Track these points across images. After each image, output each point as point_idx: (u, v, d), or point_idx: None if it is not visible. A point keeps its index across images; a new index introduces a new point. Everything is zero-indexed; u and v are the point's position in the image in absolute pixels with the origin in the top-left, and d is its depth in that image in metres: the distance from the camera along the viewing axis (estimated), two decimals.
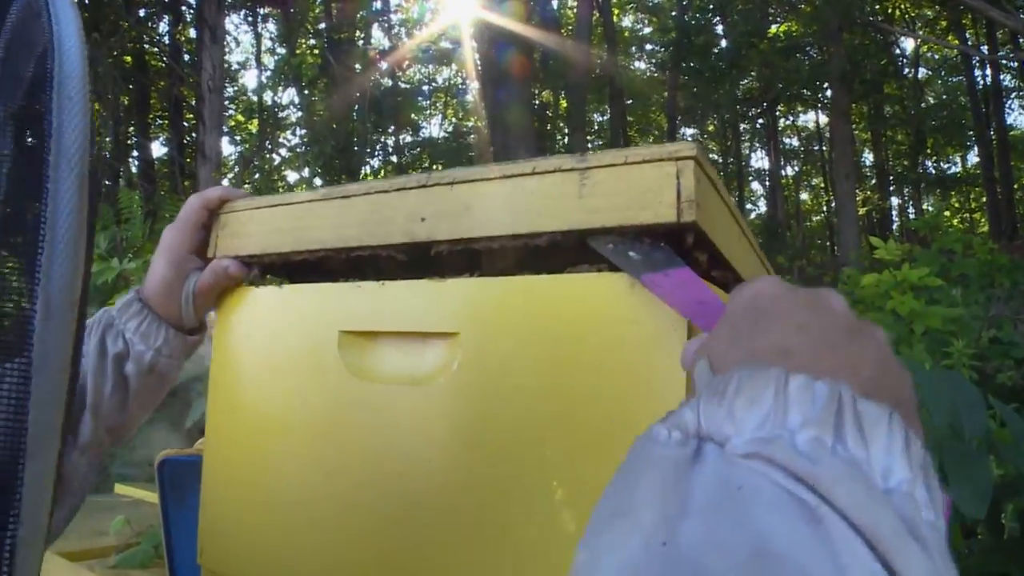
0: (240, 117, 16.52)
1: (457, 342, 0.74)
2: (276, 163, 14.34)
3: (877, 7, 15.77)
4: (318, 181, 11.51)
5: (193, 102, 10.99)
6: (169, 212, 5.01)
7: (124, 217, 4.66)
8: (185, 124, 13.84)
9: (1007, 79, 20.16)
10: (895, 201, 25.12)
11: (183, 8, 12.06)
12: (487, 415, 0.71)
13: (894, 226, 25.14)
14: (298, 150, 13.53)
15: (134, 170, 14.28)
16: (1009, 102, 21.95)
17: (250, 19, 14.83)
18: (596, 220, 0.64)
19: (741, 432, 0.34)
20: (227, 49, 15.46)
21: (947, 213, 24.01)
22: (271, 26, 15.96)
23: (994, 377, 3.88)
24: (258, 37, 15.41)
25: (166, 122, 14.93)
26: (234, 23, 16.41)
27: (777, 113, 18.45)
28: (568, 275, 0.68)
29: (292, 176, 16.47)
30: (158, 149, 15.88)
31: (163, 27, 13.76)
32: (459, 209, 0.73)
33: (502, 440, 0.70)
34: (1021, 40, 15.82)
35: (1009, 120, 22.20)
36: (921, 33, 18.13)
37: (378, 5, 16.07)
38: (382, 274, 0.85)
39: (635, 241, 0.49)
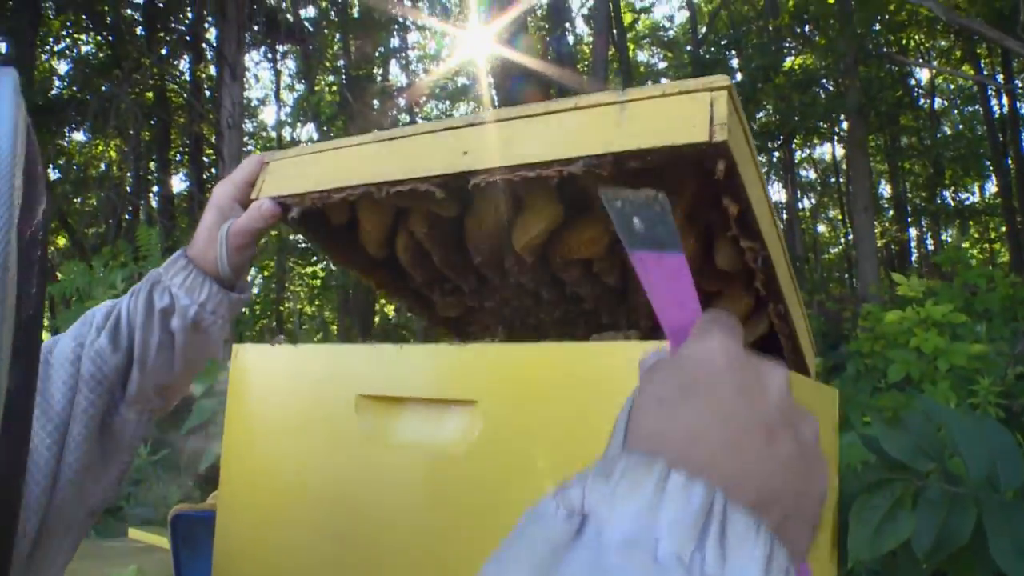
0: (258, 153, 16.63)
1: (477, 410, 0.71)
2: None
3: (891, 39, 15.79)
4: None
5: (212, 139, 11.10)
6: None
7: (143, 254, 4.67)
8: (205, 160, 13.98)
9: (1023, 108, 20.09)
10: (913, 232, 24.97)
11: (204, 46, 12.21)
12: (507, 486, 0.69)
13: (913, 257, 24.95)
14: None
15: (155, 204, 14.42)
16: None
17: (269, 56, 15.03)
18: (632, 143, 0.66)
19: (620, 519, 0.35)
20: (246, 86, 15.64)
21: (967, 244, 23.84)
22: (290, 63, 16.17)
23: (1021, 415, 3.80)
24: (277, 74, 15.60)
25: (186, 158, 15.08)
26: (254, 60, 16.62)
27: (793, 146, 18.43)
28: (592, 343, 0.66)
29: None
30: (178, 184, 16.06)
31: (184, 64, 13.97)
32: (501, 143, 0.75)
33: (522, 512, 0.68)
34: None
35: None
36: (936, 64, 18.12)
37: (396, 42, 16.24)
38: (421, 224, 0.88)
39: (646, 207, 0.46)
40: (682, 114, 0.64)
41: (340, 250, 1.05)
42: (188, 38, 12.27)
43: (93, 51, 13.46)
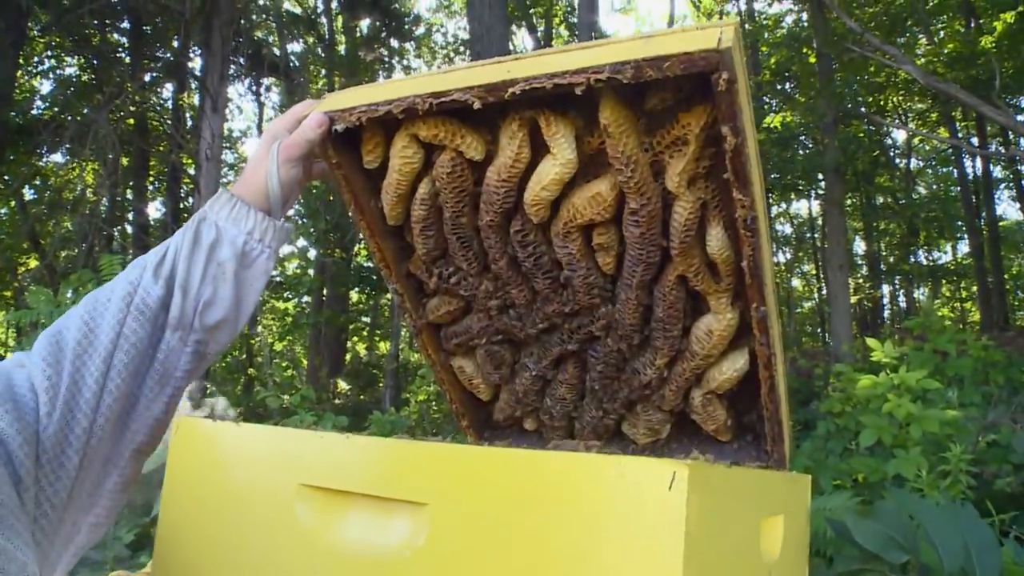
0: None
1: (426, 513, 0.67)
2: None
3: (870, 100, 16.08)
4: (312, 253, 11.50)
5: (191, 169, 11.03)
6: None
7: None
8: (182, 190, 13.88)
9: (997, 170, 20.46)
10: (886, 289, 25.23)
11: (188, 75, 12.19)
12: None
13: (885, 314, 25.19)
14: (294, 221, 13.59)
15: (130, 230, 14.27)
16: (999, 193, 22.24)
17: (253, 88, 15.04)
18: (652, 52, 0.78)
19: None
20: (229, 117, 15.64)
21: (938, 302, 24.09)
22: (274, 95, 16.19)
23: (992, 483, 3.78)
24: (260, 106, 15.61)
25: (163, 186, 14.98)
26: (238, 92, 16.63)
27: (770, 200, 18.65)
28: (549, 453, 0.61)
29: (286, 248, 16.50)
30: (154, 212, 15.93)
31: (167, 92, 13.93)
32: (540, 64, 0.86)
33: None
34: (1011, 134, 16.10)
35: (999, 211, 22.48)
36: (913, 126, 18.44)
37: (382, 78, 16.33)
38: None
39: None
40: (696, 36, 0.77)
41: (361, 195, 1.08)
42: (172, 67, 12.24)
43: (76, 73, 13.40)
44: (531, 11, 17.78)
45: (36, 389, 0.86)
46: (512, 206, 1.00)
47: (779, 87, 17.41)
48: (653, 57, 0.78)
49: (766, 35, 18.50)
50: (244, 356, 15.14)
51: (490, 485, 0.64)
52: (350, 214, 1.09)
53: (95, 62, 12.20)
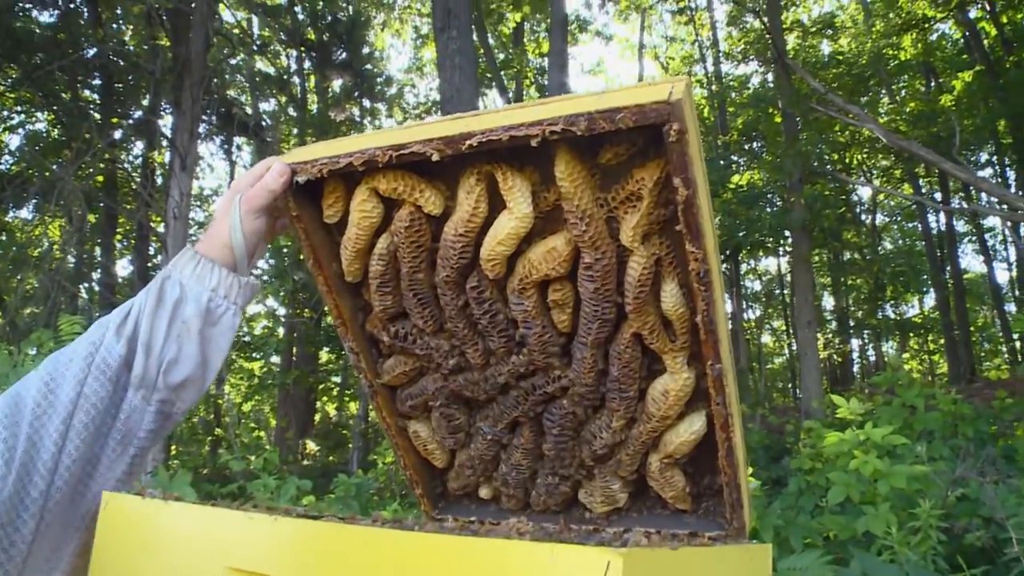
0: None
1: None
2: None
3: (835, 157, 16.39)
4: (282, 310, 11.41)
5: (160, 227, 10.96)
6: None
7: (65, 345, 4.48)
8: (151, 249, 13.77)
9: (960, 224, 20.86)
10: (856, 343, 25.44)
11: (157, 133, 12.18)
12: None
13: (855, 368, 25.36)
14: (262, 280, 13.50)
15: (96, 288, 14.09)
16: (962, 246, 22.65)
17: (224, 147, 15.04)
18: (604, 105, 0.80)
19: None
20: (200, 175, 15.61)
21: (906, 355, 24.32)
22: (245, 154, 16.21)
23: (962, 537, 3.75)
24: (232, 165, 15.59)
25: (132, 244, 14.85)
26: (209, 150, 16.65)
27: (739, 258, 18.83)
28: (480, 539, 0.57)
29: (253, 307, 16.39)
30: (123, 270, 15.77)
31: (137, 150, 13.90)
32: (498, 118, 0.87)
33: None
34: (972, 189, 16.45)
35: (963, 264, 22.88)
36: (877, 183, 18.79)
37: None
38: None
39: None
40: (648, 90, 0.79)
41: (320, 250, 1.07)
42: (142, 124, 12.23)
43: (46, 129, 13.35)
44: (502, 72, 18.04)
45: None
46: (469, 262, 1.00)
47: (746, 146, 17.74)
48: (606, 109, 0.79)
49: (733, 95, 18.90)
50: (211, 416, 14.90)
51: (419, 572, 0.60)
52: (309, 268, 1.09)
53: (64, 118, 12.18)
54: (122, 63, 11.21)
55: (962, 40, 16.48)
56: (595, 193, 0.92)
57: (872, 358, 25.69)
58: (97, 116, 12.20)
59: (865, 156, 18.21)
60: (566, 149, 0.88)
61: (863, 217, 22.33)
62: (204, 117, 11.28)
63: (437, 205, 0.98)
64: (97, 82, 12.67)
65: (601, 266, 0.91)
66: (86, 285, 14.35)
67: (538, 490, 1.16)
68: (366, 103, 16.54)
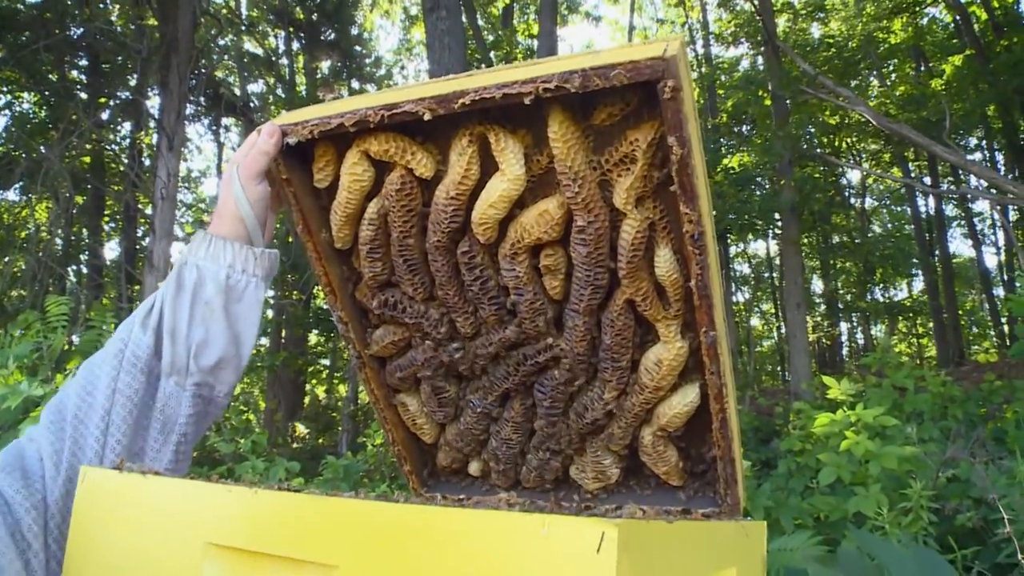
0: (190, 229, 16.47)
1: None
2: None
3: (825, 140, 16.39)
4: (270, 292, 11.35)
5: (148, 208, 10.87)
6: (97, 322, 4.80)
7: (52, 326, 4.45)
8: (139, 231, 13.67)
9: (949, 208, 20.92)
10: (844, 327, 25.54)
11: (145, 114, 12.06)
12: None
13: (844, 351, 25.46)
14: None
15: (84, 270, 14.01)
16: (951, 230, 22.72)
17: (212, 128, 14.93)
18: (598, 62, 0.78)
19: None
20: (188, 157, 15.49)
21: (895, 339, 24.44)
22: (234, 135, 16.11)
23: (953, 518, 3.76)
24: (220, 146, 15.49)
25: (120, 225, 14.75)
26: (198, 132, 16.52)
27: (728, 240, 18.85)
28: (469, 510, 0.55)
29: None
30: (110, 252, 15.67)
31: (125, 129, 13.78)
32: (490, 76, 0.86)
33: None
34: (962, 172, 16.49)
35: (952, 248, 22.97)
36: (866, 166, 18.81)
37: None
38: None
39: None
40: (643, 48, 0.77)
41: (310, 216, 1.06)
42: (130, 105, 12.11)
43: (32, 109, 13.21)
44: (491, 53, 17.95)
45: (43, 457, 0.89)
46: (460, 226, 0.98)
47: (736, 129, 17.70)
48: (600, 66, 0.78)
49: (723, 78, 18.85)
50: None
51: (405, 545, 0.57)
52: (299, 234, 1.07)
53: (51, 99, 12.05)
54: (109, 43, 11.07)
55: (952, 24, 16.47)
56: (588, 155, 0.90)
57: (861, 341, 25.83)
58: (84, 96, 12.07)
59: (855, 139, 18.21)
60: (559, 109, 0.86)
61: (852, 200, 22.39)
62: (191, 97, 11.18)
63: (428, 168, 0.97)
64: (84, 62, 12.54)
65: (594, 229, 0.90)
66: (73, 267, 14.26)
67: (528, 465, 1.14)
68: (355, 83, 16.44)
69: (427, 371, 1.13)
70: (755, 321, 26.66)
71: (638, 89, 0.82)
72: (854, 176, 21.76)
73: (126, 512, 0.79)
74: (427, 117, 0.88)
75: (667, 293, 0.93)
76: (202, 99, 11.95)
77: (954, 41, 16.07)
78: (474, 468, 1.21)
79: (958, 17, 15.53)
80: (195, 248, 1.00)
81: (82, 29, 10.81)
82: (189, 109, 11.55)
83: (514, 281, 0.98)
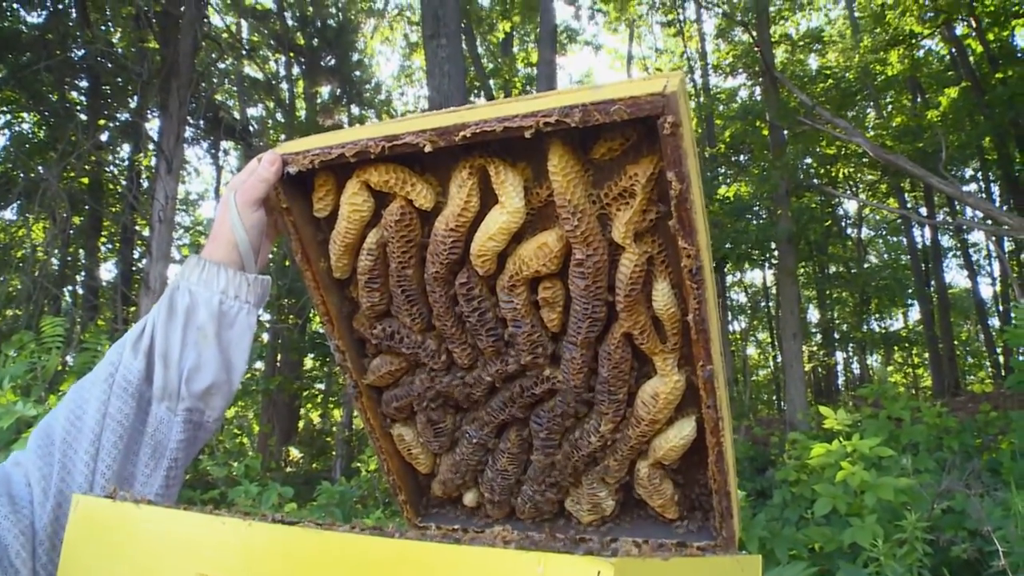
0: (186, 251, 16.50)
1: None
2: None
3: (822, 171, 16.47)
4: (266, 316, 11.34)
5: (145, 231, 10.87)
6: (92, 343, 4.80)
7: (47, 347, 4.44)
8: (136, 253, 13.67)
9: (945, 239, 21.00)
10: (840, 357, 25.53)
11: (144, 136, 12.10)
12: None
13: (839, 381, 25.44)
14: None
15: (80, 291, 13.97)
16: (947, 261, 22.78)
17: (211, 151, 14.97)
18: (599, 97, 0.79)
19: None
20: (186, 179, 15.52)
21: (891, 368, 24.42)
22: (233, 159, 16.14)
23: (948, 550, 3.74)
24: (219, 169, 15.53)
25: (117, 246, 14.74)
26: (196, 154, 16.55)
27: (725, 270, 18.90)
28: (464, 547, 0.54)
29: None
30: (107, 273, 15.65)
31: (124, 151, 13.81)
32: (492, 110, 0.86)
33: None
34: (957, 204, 16.55)
35: (947, 278, 23.02)
36: (863, 196, 18.88)
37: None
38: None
39: None
40: (643, 83, 0.78)
41: (309, 246, 1.06)
42: (129, 127, 12.15)
43: (32, 129, 13.24)
44: (491, 81, 18.06)
45: (31, 482, 0.89)
46: (459, 258, 0.99)
47: (733, 159, 17.79)
48: (601, 101, 0.79)
49: (721, 108, 18.96)
50: None
51: None
52: (298, 263, 1.08)
53: (50, 119, 12.09)
54: (109, 65, 11.13)
55: (948, 56, 16.62)
56: (588, 189, 0.91)
57: (857, 371, 25.81)
58: (83, 117, 12.10)
59: (851, 170, 18.30)
60: (559, 143, 0.87)
61: (849, 230, 22.47)
62: (191, 120, 11.22)
63: (428, 199, 0.98)
64: (84, 83, 12.58)
65: (592, 263, 0.90)
66: (69, 287, 14.22)
67: (524, 497, 1.14)
68: (355, 109, 16.52)
69: (423, 401, 1.13)
70: (751, 350, 26.67)
71: (638, 124, 0.83)
72: (851, 206, 21.86)
73: (119, 541, 0.78)
74: (428, 149, 0.89)
75: (664, 327, 0.93)
76: (201, 122, 12.00)
77: (950, 73, 16.21)
78: (469, 499, 1.20)
79: (954, 50, 15.68)
80: (188, 272, 1.00)
81: (83, 51, 10.86)
82: (188, 132, 11.58)
83: (512, 313, 0.99)
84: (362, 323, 1.12)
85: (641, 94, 0.76)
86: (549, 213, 0.95)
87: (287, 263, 11.15)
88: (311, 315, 14.24)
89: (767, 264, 18.75)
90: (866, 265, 21.85)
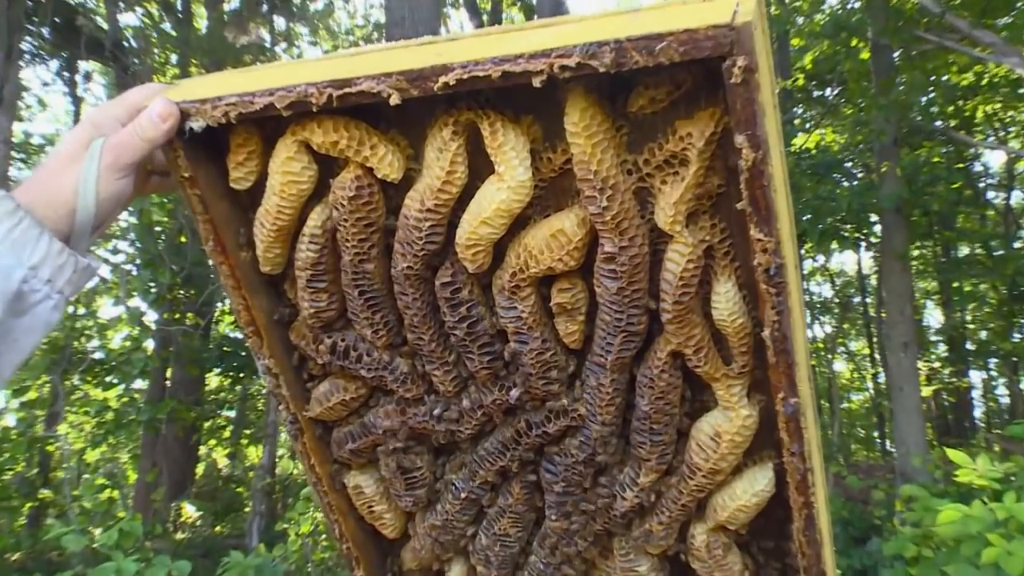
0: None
1: None
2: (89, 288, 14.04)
3: (950, 109, 16.30)
4: (153, 314, 11.25)
5: None
6: None
7: None
8: None
9: None
10: (977, 377, 25.38)
11: None
12: None
13: (976, 412, 25.27)
14: (124, 270, 13.25)
15: None
16: None
17: (65, 74, 14.83)
18: (642, 27, 0.76)
19: None
20: (27, 115, 15.44)
21: None
22: (98, 86, 16.03)
23: None
24: (76, 100, 15.39)
25: None
26: (42, 78, 16.40)
27: (803, 252, 18.86)
28: None
29: (111, 310, 16.18)
30: None
31: None
32: (487, 46, 0.84)
33: None
34: None
35: None
36: (1015, 145, 18.72)
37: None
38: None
39: None
40: (702, 9, 0.74)
41: (224, 228, 1.06)
42: None
43: None
44: None
45: None
46: (439, 249, 0.99)
47: (816, 95, 17.66)
48: (642, 36, 0.76)
49: (799, 22, 18.76)
50: (34, 471, 14.69)
51: None
52: (208, 253, 1.06)
53: None
54: None
55: None
56: (621, 154, 0.90)
57: (1004, 399, 25.68)
58: None
59: (998, 107, 18.17)
60: (582, 92, 0.86)
61: (990, 195, 22.37)
62: (31, 28, 11.13)
63: (394, 167, 0.97)
64: None
65: (628, 257, 0.89)
66: None
67: (532, 571, 1.15)
68: (279, 22, 16.45)
69: (391, 442, 1.15)
70: (840, 365, 26.48)
71: (693, 66, 0.81)
72: (994, 159, 21.76)
73: None
74: (395, 101, 0.87)
75: (729, 343, 0.94)
76: (45, 31, 11.89)
77: None
78: (456, 573, 1.23)
79: None
80: None
81: None
82: (27, 45, 11.49)
83: (515, 323, 1.00)
84: (303, 335, 1.13)
85: (700, 26, 0.74)
86: (566, 187, 0.95)
87: (183, 238, 11.12)
88: (219, 313, 14.08)
89: (863, 244, 18.70)
90: (1016, 245, 21.76)
